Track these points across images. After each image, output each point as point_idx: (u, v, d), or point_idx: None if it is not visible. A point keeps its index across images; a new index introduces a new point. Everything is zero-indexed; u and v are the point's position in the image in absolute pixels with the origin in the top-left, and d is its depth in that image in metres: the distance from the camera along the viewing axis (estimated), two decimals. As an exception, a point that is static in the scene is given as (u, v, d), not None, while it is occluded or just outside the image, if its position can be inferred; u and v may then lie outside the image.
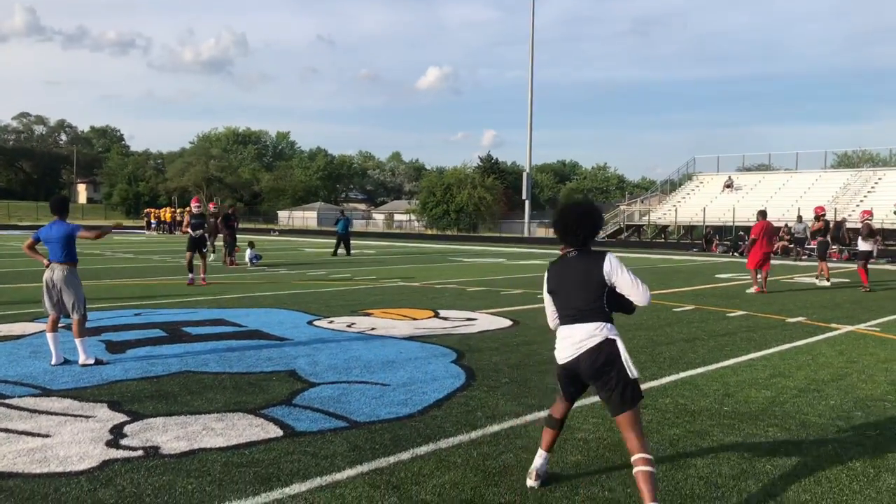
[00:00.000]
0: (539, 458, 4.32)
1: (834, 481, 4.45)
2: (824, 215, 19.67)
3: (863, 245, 16.82)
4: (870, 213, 17.56)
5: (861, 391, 6.74)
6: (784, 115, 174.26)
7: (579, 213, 4.25)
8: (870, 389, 6.80)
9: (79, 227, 7.66)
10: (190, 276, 15.90)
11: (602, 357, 3.96)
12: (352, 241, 29.12)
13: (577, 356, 4.02)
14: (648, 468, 3.80)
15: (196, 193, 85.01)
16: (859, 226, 17.34)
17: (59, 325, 7.53)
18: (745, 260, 17.74)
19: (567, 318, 4.12)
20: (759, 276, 15.91)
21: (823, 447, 5.10)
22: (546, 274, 4.32)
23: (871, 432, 5.46)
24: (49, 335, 7.33)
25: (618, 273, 4.08)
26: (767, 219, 16.68)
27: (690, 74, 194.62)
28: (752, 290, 15.65)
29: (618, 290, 4.10)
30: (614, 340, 4.00)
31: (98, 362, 7.35)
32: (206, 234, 17.19)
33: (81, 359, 7.28)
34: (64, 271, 7.38)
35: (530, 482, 4.25)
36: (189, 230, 16.41)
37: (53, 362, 7.24)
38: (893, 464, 4.78)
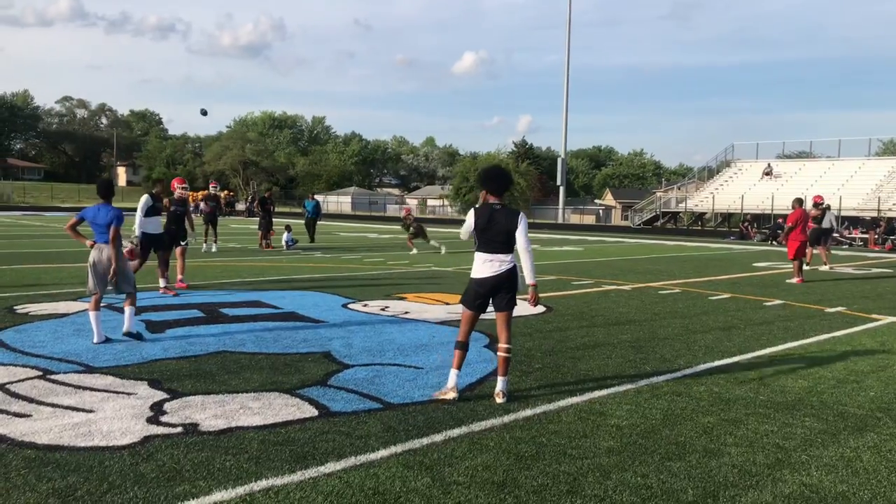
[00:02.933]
0: (454, 376, 5.78)
1: (872, 473, 4.40)
2: (822, 204, 19.60)
3: None
4: None
5: (902, 383, 6.62)
6: (826, 101, 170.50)
7: (509, 175, 6.03)
8: (911, 381, 6.68)
9: (122, 217, 7.81)
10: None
11: (509, 275, 5.72)
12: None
13: (498, 274, 5.68)
14: (508, 354, 5.79)
15: (233, 177, 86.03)
16: None
17: (101, 304, 7.70)
18: (784, 248, 17.46)
19: (490, 248, 5.70)
20: (804, 265, 15.62)
21: (862, 438, 5.03)
22: (474, 213, 5.73)
23: (912, 424, 5.37)
24: (92, 314, 7.51)
25: (522, 231, 5.75)
26: (804, 207, 16.36)
27: (730, 59, 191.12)
28: (794, 280, 15.36)
29: (517, 235, 5.75)
30: (514, 265, 5.77)
31: (138, 336, 7.57)
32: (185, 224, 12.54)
33: (126, 325, 7.61)
34: (114, 253, 7.59)
35: (452, 395, 5.68)
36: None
37: (95, 341, 7.42)
38: (934, 456, 4.70)
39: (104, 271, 7.56)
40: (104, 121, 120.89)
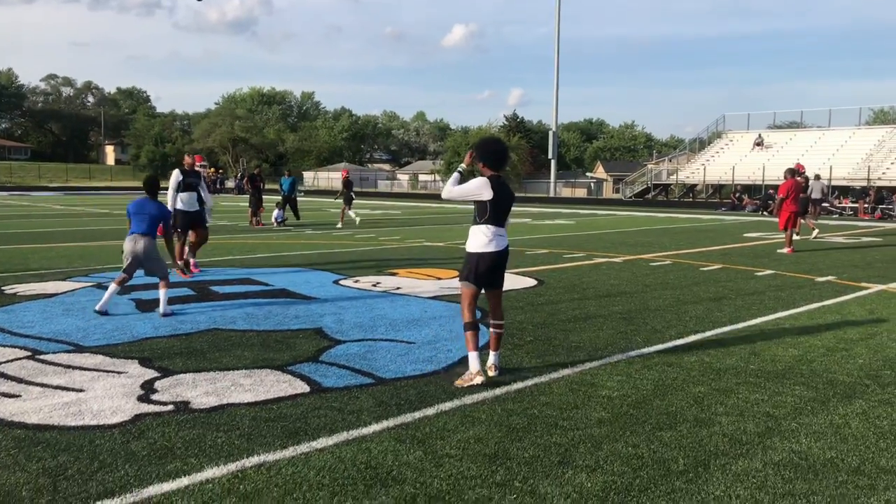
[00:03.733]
0: (475, 359, 5.44)
1: (860, 439, 4.43)
2: (802, 172, 19.67)
3: None
4: None
5: (891, 350, 6.66)
6: (817, 71, 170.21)
7: (508, 149, 5.92)
8: (900, 348, 6.72)
9: (170, 215, 8.50)
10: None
11: (508, 251, 5.70)
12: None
13: (504, 249, 5.61)
14: (502, 330, 5.75)
15: (222, 154, 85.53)
16: None
17: (96, 284, 7.66)
18: (775, 219, 17.52)
19: (500, 221, 5.60)
20: (794, 235, 15.65)
21: (850, 406, 5.07)
22: (490, 184, 5.52)
23: (900, 391, 5.41)
24: (113, 286, 7.92)
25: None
26: (797, 177, 16.35)
27: (721, 30, 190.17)
28: (785, 250, 15.41)
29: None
30: (507, 240, 5.70)
31: (170, 315, 7.79)
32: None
33: (161, 309, 7.80)
34: (148, 243, 7.95)
35: (480, 378, 5.37)
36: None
37: (98, 308, 7.73)
38: (922, 422, 4.74)
39: (137, 262, 7.93)
40: (91, 99, 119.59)
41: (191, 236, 11.24)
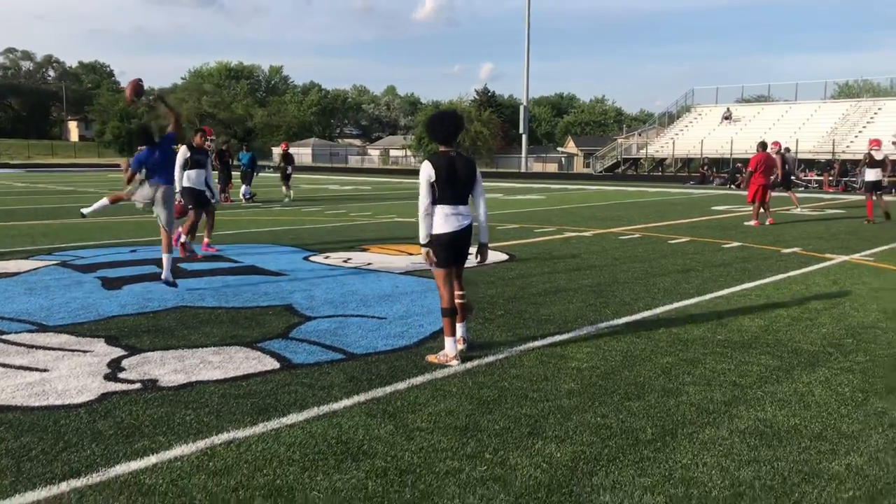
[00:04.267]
0: (451, 344, 5.39)
1: (823, 406, 4.52)
2: (778, 150, 19.86)
3: (868, 175, 16.52)
4: (878, 142, 17.01)
5: (853, 319, 6.80)
6: (785, 45, 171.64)
7: (458, 118, 5.59)
8: (861, 318, 6.86)
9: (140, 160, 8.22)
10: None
11: (470, 230, 5.53)
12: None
13: (463, 228, 5.44)
14: (465, 300, 5.69)
15: (189, 130, 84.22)
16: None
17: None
18: (744, 193, 17.74)
19: (453, 200, 5.39)
20: (761, 210, 15.85)
21: (814, 374, 5.16)
22: (432, 164, 5.32)
23: (861, 359, 5.52)
24: (164, 257, 8.05)
25: (480, 181, 5.62)
26: (767, 150, 16.50)
27: (691, 4, 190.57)
28: (752, 223, 15.62)
29: (476, 186, 5.59)
30: (471, 220, 5.55)
31: (172, 284, 7.84)
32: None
33: (164, 274, 7.89)
34: (167, 190, 8.13)
35: (456, 362, 5.30)
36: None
37: (163, 278, 7.94)
38: (881, 389, 4.85)
39: (167, 208, 8.10)
40: (52, 73, 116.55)
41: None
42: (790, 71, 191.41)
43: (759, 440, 3.98)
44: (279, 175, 23.50)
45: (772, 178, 16.38)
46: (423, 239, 5.42)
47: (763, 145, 16.59)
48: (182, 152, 10.41)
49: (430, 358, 5.42)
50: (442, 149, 5.43)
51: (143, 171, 8.15)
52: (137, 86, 7.97)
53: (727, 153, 41.24)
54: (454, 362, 5.31)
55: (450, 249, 5.45)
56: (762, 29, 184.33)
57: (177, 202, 10.00)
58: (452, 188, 5.36)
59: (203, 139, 10.98)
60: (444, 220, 5.39)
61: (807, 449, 3.87)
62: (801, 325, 6.54)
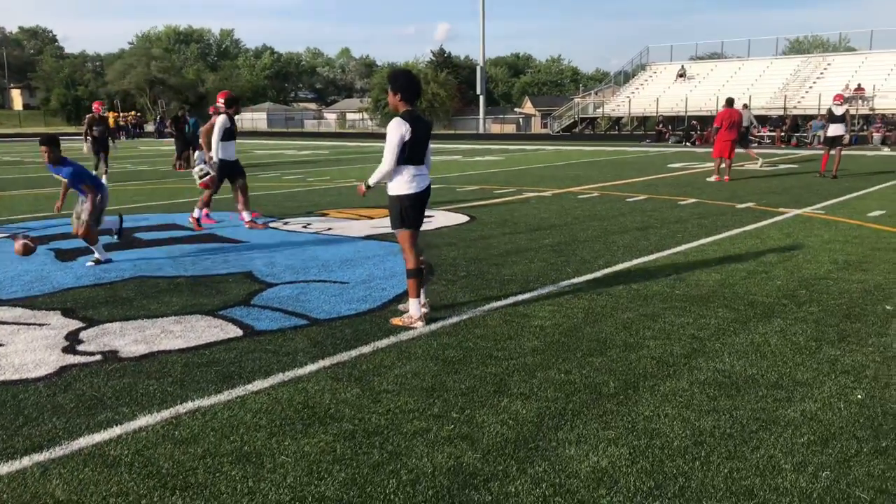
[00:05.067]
0: (416, 305, 5.37)
1: (779, 355, 4.65)
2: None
3: (829, 130, 16.68)
4: (840, 97, 17.12)
5: (806, 271, 6.98)
6: (738, 2, 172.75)
7: (420, 80, 5.54)
8: (814, 269, 7.04)
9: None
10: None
11: (430, 187, 5.57)
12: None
13: (428, 185, 5.49)
14: (423, 265, 5.67)
15: (139, 97, 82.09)
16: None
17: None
18: (700, 150, 17.94)
19: (418, 160, 5.37)
20: (722, 164, 16.05)
21: (769, 325, 5.30)
22: (409, 126, 5.22)
23: (814, 309, 5.68)
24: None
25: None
26: (734, 107, 16.56)
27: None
28: (713, 178, 15.81)
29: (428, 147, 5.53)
30: (429, 177, 5.59)
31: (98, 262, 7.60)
32: (111, 137, 17.27)
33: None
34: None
35: (420, 324, 5.32)
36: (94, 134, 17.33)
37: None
38: (833, 337, 5.01)
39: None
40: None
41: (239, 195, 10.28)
42: (743, 28, 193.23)
43: (718, 390, 4.09)
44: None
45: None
46: (372, 182, 5.43)
47: (730, 101, 16.67)
48: (222, 122, 9.84)
49: (395, 321, 5.42)
50: (408, 108, 5.32)
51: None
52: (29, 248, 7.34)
53: (682, 111, 41.61)
54: (419, 324, 5.30)
55: (418, 209, 5.44)
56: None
57: (211, 175, 9.87)
58: (418, 148, 5.33)
59: (237, 109, 10.37)
60: (411, 180, 5.35)
61: (764, 397, 3.99)
62: (756, 279, 6.69)
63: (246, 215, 10.15)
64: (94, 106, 17.78)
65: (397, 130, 5.22)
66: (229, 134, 9.94)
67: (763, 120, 38.53)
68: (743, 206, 11.64)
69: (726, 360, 4.57)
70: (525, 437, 3.54)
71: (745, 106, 23.92)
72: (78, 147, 36.45)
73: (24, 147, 39.48)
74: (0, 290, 6.46)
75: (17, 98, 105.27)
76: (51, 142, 7.44)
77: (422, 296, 5.50)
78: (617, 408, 3.87)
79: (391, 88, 5.32)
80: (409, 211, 5.38)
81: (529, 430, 3.60)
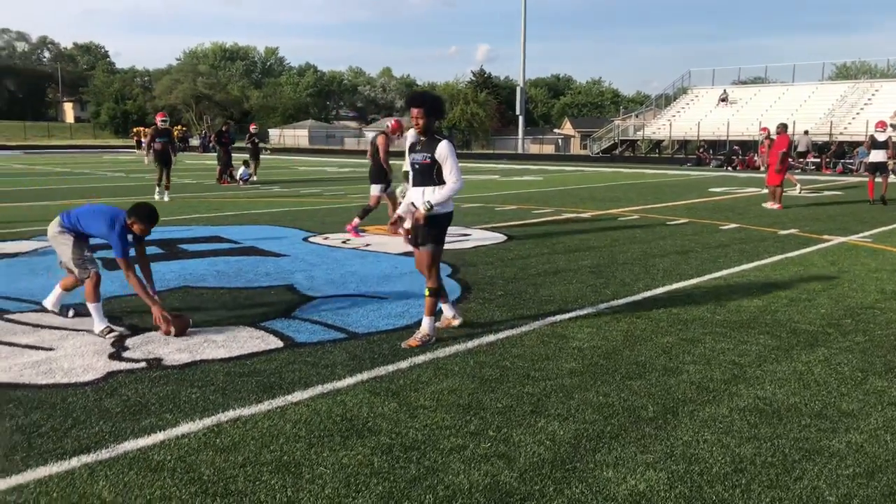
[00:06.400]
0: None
1: (823, 385, 4.57)
2: (767, 135, 19.81)
3: (871, 156, 16.49)
4: (883, 123, 16.83)
5: (851, 300, 6.85)
6: (782, 27, 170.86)
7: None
8: (860, 298, 6.91)
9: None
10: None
11: None
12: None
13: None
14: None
15: (185, 111, 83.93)
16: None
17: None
18: (739, 174, 17.71)
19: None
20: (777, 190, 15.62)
21: (813, 353, 5.21)
22: (461, 147, 5.15)
23: (860, 339, 5.57)
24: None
25: None
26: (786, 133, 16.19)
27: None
28: (768, 204, 15.29)
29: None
30: None
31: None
32: (172, 150, 16.94)
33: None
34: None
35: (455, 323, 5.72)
36: (155, 145, 16.92)
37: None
38: (880, 368, 4.90)
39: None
40: (46, 54, 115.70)
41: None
42: (788, 52, 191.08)
43: (759, 418, 4.04)
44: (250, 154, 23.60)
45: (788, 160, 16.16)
46: (438, 201, 5.28)
47: (784, 126, 16.41)
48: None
49: (411, 343, 5.29)
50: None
51: None
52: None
53: (724, 135, 41.18)
54: (456, 321, 5.70)
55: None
56: (760, 10, 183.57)
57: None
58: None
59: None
60: (450, 200, 5.46)
61: (807, 427, 3.93)
62: (799, 306, 6.58)
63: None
64: (158, 117, 17.45)
65: (453, 150, 5.34)
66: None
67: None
68: (786, 232, 11.46)
69: (768, 388, 4.51)
70: (562, 457, 3.53)
71: (806, 132, 23.54)
72: (125, 159, 37.37)
73: (74, 158, 40.55)
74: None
75: (69, 111, 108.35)
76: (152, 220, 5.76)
77: (450, 309, 5.80)
78: (655, 432, 3.84)
79: (431, 113, 5.33)
80: (446, 228, 5.52)
81: (566, 452, 3.59)
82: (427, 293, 5.42)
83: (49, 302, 5.99)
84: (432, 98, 5.48)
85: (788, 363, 4.99)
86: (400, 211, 5.62)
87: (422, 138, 5.37)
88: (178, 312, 5.69)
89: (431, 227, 5.38)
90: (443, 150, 5.26)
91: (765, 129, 20.39)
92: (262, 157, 24.92)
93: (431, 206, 5.26)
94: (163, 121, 17.11)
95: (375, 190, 11.11)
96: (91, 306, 5.53)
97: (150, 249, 8.60)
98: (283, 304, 6.52)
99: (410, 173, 5.50)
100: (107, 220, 5.55)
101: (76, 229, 5.66)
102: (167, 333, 5.39)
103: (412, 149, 5.47)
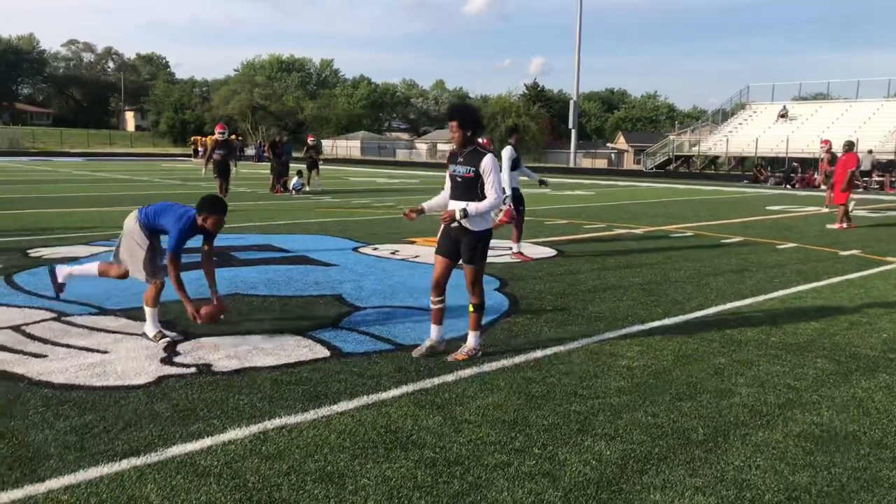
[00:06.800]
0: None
1: (883, 412, 4.40)
2: (828, 149, 19.02)
3: None
4: None
5: (915, 325, 6.59)
6: (845, 41, 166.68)
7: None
8: (924, 323, 6.64)
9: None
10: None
11: None
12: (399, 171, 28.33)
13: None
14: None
15: (241, 121, 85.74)
16: None
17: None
18: (797, 192, 17.25)
19: None
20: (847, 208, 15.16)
21: (873, 379, 5.02)
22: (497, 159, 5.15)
23: (924, 365, 5.35)
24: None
25: None
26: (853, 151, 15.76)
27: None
28: (838, 225, 14.85)
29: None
30: None
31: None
32: (231, 160, 17.03)
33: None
34: None
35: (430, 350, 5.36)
36: (214, 155, 17.04)
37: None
38: (946, 397, 4.70)
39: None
40: (111, 65, 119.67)
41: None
42: (851, 68, 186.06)
43: (814, 445, 3.90)
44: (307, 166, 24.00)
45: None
46: (476, 211, 5.17)
47: (851, 145, 15.97)
48: (509, 153, 9.88)
49: (458, 356, 5.27)
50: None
51: None
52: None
53: (782, 152, 40.25)
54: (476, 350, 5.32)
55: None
56: (822, 24, 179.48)
57: (507, 207, 9.65)
58: None
59: (517, 138, 10.49)
60: (491, 215, 5.39)
61: (866, 456, 3.77)
62: (859, 330, 6.36)
63: (515, 247, 10.02)
64: (217, 129, 17.56)
65: (497, 164, 5.25)
66: (516, 163, 10.06)
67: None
68: (847, 253, 11.11)
69: (824, 414, 4.35)
70: (608, 478, 3.46)
71: (870, 151, 22.80)
72: (182, 167, 38.29)
73: (134, 165, 41.74)
74: (106, 301, 6.82)
75: (130, 120, 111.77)
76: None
77: (474, 339, 5.40)
78: (706, 455, 3.74)
79: (472, 127, 5.23)
80: (488, 246, 5.39)
81: (613, 472, 3.52)
82: (471, 308, 5.36)
83: (67, 270, 6.25)
84: (463, 109, 5.33)
85: (847, 389, 4.82)
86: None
87: (463, 150, 5.25)
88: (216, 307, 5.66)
89: (476, 244, 5.29)
90: (487, 164, 5.16)
91: (826, 141, 19.66)
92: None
93: (466, 214, 5.16)
94: (221, 132, 17.39)
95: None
96: (148, 310, 5.64)
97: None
98: (332, 313, 6.57)
99: (449, 185, 5.37)
100: (175, 215, 5.59)
101: (150, 225, 5.72)
102: (200, 321, 5.53)
103: (453, 160, 5.32)
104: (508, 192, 9.61)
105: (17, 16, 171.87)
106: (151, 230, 5.76)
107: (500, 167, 9.47)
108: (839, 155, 16.17)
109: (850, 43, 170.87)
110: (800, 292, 7.98)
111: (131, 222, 5.82)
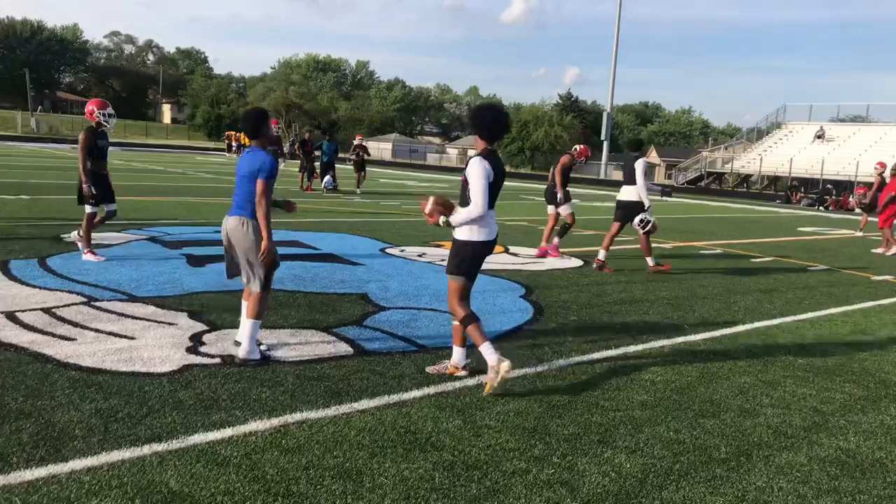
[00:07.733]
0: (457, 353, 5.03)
1: (912, 441, 4.31)
2: (881, 172, 18.54)
3: None
4: None
5: (948, 354, 6.45)
6: (887, 63, 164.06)
7: (507, 115, 4.98)
8: (958, 353, 6.50)
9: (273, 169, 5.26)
10: None
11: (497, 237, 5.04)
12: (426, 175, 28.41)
13: (496, 235, 4.97)
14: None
15: (275, 117, 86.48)
16: None
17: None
18: (831, 215, 16.97)
19: (492, 204, 4.85)
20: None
21: (903, 407, 4.92)
22: (490, 167, 4.74)
23: (956, 396, 5.23)
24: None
25: None
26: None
27: (788, 17, 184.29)
28: (880, 250, 14.58)
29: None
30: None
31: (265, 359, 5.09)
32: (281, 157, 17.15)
33: (243, 349, 5.04)
34: (236, 226, 5.20)
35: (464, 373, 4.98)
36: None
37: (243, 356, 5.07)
38: (978, 429, 4.59)
39: (235, 253, 5.23)
40: (151, 57, 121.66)
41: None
42: (892, 91, 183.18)
43: (840, 470, 3.83)
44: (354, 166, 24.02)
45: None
46: (456, 222, 4.82)
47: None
48: (643, 165, 10.03)
49: (432, 370, 5.02)
50: (487, 147, 4.81)
51: None
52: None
53: (817, 173, 39.70)
54: (504, 366, 4.55)
55: (480, 260, 4.91)
56: (862, 45, 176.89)
57: (653, 223, 10.23)
58: (494, 192, 4.83)
59: (643, 152, 10.71)
60: (483, 226, 4.80)
61: (893, 484, 3.70)
62: (890, 356, 6.24)
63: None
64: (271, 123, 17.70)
65: (482, 171, 4.69)
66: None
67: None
68: (880, 278, 10.92)
69: (851, 439, 4.27)
70: (627, 491, 3.43)
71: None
72: (216, 160, 38.69)
73: (168, 157, 42.30)
74: (136, 289, 6.91)
75: (167, 112, 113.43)
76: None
77: (460, 355, 5.02)
78: (727, 474, 3.69)
79: (471, 126, 4.87)
80: (472, 259, 4.84)
81: (632, 486, 3.49)
82: (462, 323, 4.86)
83: (250, 344, 5.01)
84: (474, 111, 4.94)
85: (875, 415, 4.73)
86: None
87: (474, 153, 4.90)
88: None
89: (452, 256, 4.92)
90: (469, 168, 4.74)
91: (882, 163, 19.06)
92: (346, 167, 25.38)
93: (448, 224, 4.86)
94: (276, 127, 17.56)
95: (566, 209, 11.31)
96: (249, 323, 4.97)
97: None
98: (356, 312, 6.59)
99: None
100: (261, 154, 5.11)
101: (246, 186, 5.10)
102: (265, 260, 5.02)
103: None
104: (647, 203, 10.08)
105: (64, 5, 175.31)
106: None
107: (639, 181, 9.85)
108: (888, 179, 15.84)
109: (891, 65, 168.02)
110: (830, 315, 7.85)
111: (233, 222, 5.18)
